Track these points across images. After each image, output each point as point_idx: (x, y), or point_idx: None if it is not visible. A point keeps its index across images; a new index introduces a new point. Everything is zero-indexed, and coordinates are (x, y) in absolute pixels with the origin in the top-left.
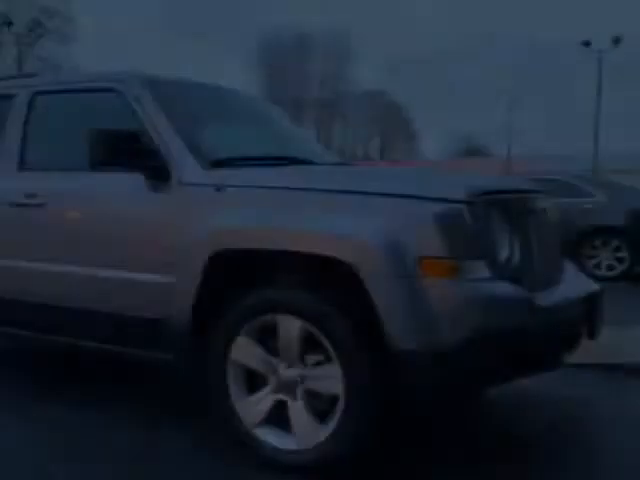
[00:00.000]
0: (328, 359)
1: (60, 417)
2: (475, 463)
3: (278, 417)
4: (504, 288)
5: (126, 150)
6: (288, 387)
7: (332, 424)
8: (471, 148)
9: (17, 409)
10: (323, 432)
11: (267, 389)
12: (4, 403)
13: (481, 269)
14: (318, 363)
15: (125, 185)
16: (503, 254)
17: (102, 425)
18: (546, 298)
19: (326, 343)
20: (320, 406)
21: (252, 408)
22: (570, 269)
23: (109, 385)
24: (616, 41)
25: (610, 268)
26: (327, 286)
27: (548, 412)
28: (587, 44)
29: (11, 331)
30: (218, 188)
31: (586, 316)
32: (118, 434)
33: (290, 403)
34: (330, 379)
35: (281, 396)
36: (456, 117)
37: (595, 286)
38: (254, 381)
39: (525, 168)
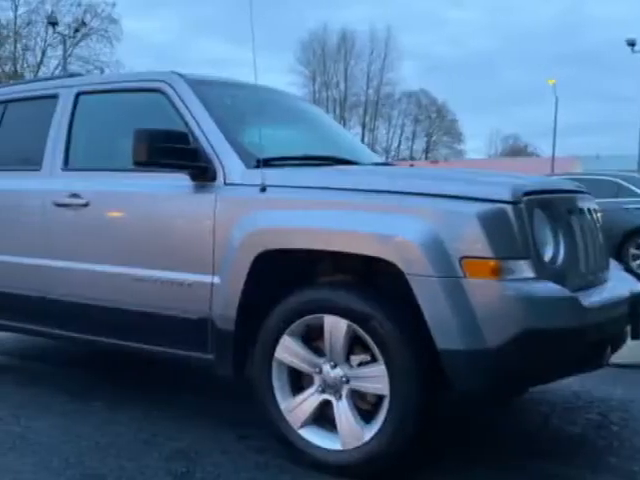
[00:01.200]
0: (373, 359)
1: (102, 419)
2: (521, 463)
3: (323, 417)
4: (548, 288)
5: (171, 150)
6: (333, 387)
7: (377, 424)
8: (515, 148)
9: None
10: (368, 432)
11: (312, 389)
12: (42, 403)
13: (525, 269)
14: (363, 363)
15: (170, 186)
16: (547, 254)
17: (143, 424)
18: (591, 298)
19: (371, 343)
20: (365, 406)
21: (297, 408)
22: (615, 269)
23: (148, 384)
24: None
25: None
26: (372, 286)
27: (593, 412)
28: (632, 44)
29: (54, 332)
30: (263, 188)
31: (630, 316)
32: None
33: (335, 403)
34: (375, 379)
35: (326, 396)
36: (501, 117)
37: None
38: (299, 381)
39: (570, 168)
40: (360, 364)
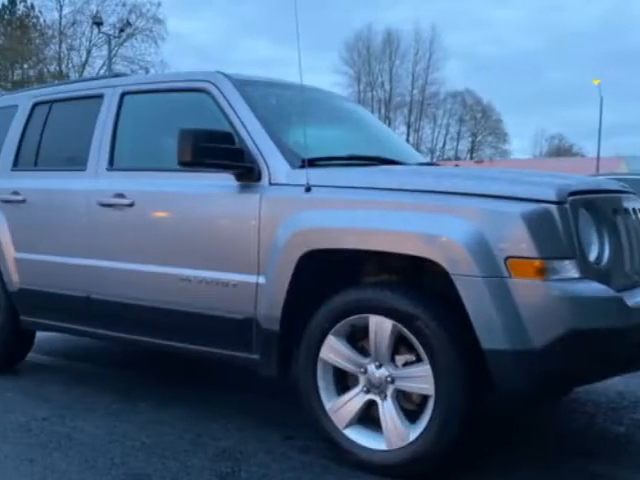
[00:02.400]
0: (419, 359)
1: (147, 419)
2: (566, 463)
3: (368, 417)
4: (593, 288)
5: (216, 150)
6: (378, 387)
7: (422, 424)
8: (561, 148)
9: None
10: (413, 432)
11: (357, 389)
12: (87, 403)
13: (570, 269)
14: (408, 363)
15: (214, 186)
16: (592, 254)
17: (188, 424)
18: (635, 298)
19: (416, 343)
20: (410, 406)
21: (342, 408)
22: None
23: (192, 384)
24: None
25: None
26: (418, 286)
27: (638, 412)
28: None
29: (99, 332)
30: (308, 188)
31: None
32: (205, 431)
33: (380, 403)
34: (420, 379)
35: (371, 396)
36: (546, 117)
37: None
38: (344, 381)
39: (615, 168)
40: (405, 364)
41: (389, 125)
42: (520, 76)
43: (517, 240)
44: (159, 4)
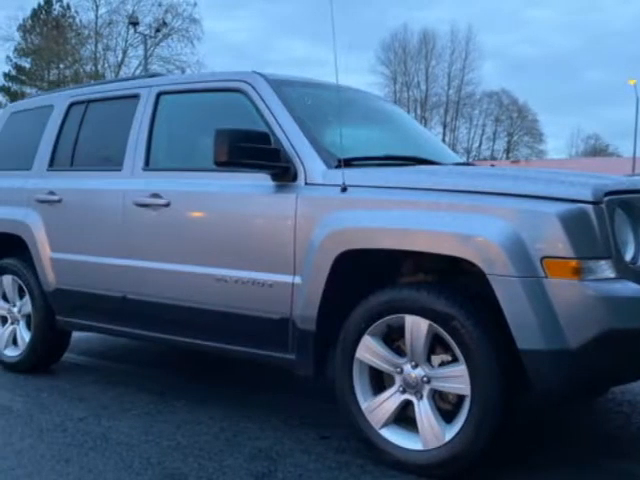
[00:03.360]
0: (454, 359)
1: (183, 419)
2: (601, 463)
3: (404, 417)
4: (629, 288)
5: (252, 151)
6: (414, 387)
7: (458, 424)
8: (597, 148)
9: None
10: (449, 432)
11: (393, 389)
12: (123, 403)
13: (606, 269)
14: (444, 363)
15: (251, 186)
16: (628, 254)
17: (224, 424)
18: None
19: (452, 343)
20: (446, 406)
21: (378, 408)
22: None
23: (228, 384)
24: None
25: None
26: (454, 286)
27: None
28: None
29: (135, 332)
30: (344, 188)
31: None
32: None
33: (416, 403)
34: (456, 379)
35: (407, 396)
36: (582, 117)
37: None
38: (380, 381)
39: None
40: (441, 364)
41: (425, 125)
42: (556, 76)
43: (553, 240)
44: (195, 4)
